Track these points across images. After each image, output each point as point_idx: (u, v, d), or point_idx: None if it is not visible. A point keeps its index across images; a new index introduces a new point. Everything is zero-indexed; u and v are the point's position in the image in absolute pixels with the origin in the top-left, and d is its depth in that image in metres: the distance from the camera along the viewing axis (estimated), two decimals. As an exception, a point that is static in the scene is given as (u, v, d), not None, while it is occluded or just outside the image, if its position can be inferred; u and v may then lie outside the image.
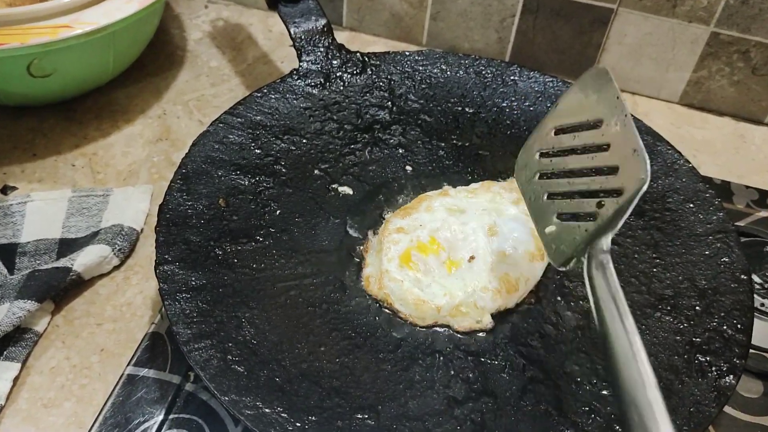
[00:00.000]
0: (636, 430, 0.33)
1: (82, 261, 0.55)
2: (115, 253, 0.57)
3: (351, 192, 0.58)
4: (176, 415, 0.49)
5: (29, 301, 0.52)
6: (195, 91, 0.76)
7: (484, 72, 0.66)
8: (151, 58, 0.78)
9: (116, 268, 0.58)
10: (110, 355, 0.53)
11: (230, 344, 0.46)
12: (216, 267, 0.50)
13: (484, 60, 0.67)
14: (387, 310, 0.51)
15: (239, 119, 0.59)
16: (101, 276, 0.58)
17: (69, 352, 0.53)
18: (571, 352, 0.48)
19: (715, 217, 0.55)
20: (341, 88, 0.64)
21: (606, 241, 0.39)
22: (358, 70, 0.65)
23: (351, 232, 0.55)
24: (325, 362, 0.47)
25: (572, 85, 0.45)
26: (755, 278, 0.58)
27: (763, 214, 0.66)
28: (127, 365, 0.51)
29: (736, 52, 0.73)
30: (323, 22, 0.65)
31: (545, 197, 0.45)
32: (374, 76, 0.65)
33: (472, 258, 0.51)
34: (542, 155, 0.46)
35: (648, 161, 0.38)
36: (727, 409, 0.52)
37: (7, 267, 0.56)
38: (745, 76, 0.74)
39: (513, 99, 0.65)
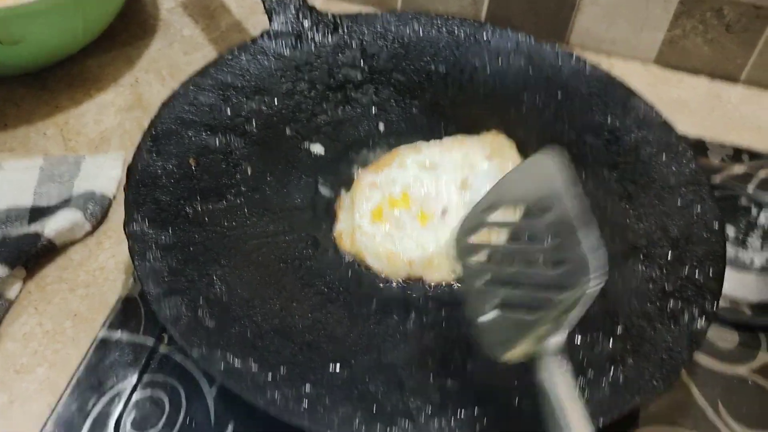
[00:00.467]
0: None
1: (53, 226, 0.55)
2: (87, 218, 0.57)
3: (323, 151, 0.58)
4: (150, 377, 0.48)
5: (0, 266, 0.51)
6: (168, 59, 0.75)
7: (456, 31, 0.65)
8: (124, 26, 0.77)
9: (89, 234, 0.58)
10: (83, 319, 0.52)
11: (201, 301, 0.46)
12: (186, 226, 0.50)
13: (457, 20, 0.66)
14: (360, 265, 0.50)
15: (209, 81, 0.58)
16: (74, 242, 0.57)
17: (41, 318, 0.52)
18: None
19: (687, 169, 0.55)
20: (313, 48, 0.63)
21: (556, 342, 0.37)
22: (329, 31, 0.64)
23: (323, 190, 0.55)
24: (297, 317, 0.47)
25: (515, 167, 0.42)
26: (730, 230, 0.58)
27: (738, 169, 0.66)
28: (101, 329, 0.51)
29: (710, 10, 0.73)
30: (293, -18, 0.64)
31: (482, 283, 0.41)
32: (346, 36, 0.64)
33: (444, 212, 0.51)
34: (476, 237, 0.43)
35: (603, 259, 0.35)
36: (704, 359, 0.52)
37: (-23, 235, 0.56)
38: (719, 33, 0.74)
39: (486, 57, 0.64)
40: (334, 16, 0.65)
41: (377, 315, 0.47)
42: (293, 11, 0.64)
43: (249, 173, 0.55)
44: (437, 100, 0.62)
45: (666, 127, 0.58)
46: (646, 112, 0.59)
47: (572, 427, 0.34)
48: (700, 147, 0.68)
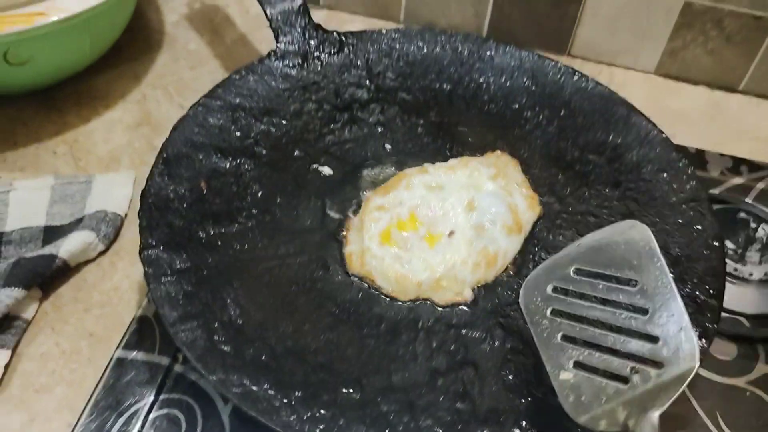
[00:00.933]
0: None
1: (67, 247, 0.56)
2: (99, 239, 0.58)
3: (331, 172, 0.59)
4: (166, 396, 0.50)
5: (16, 288, 0.52)
6: (174, 74, 0.76)
7: (460, 48, 0.66)
8: (129, 42, 0.78)
9: (102, 253, 0.59)
10: (99, 339, 0.54)
11: (216, 324, 0.47)
12: (200, 249, 0.51)
13: (461, 36, 0.67)
14: (369, 287, 0.52)
15: (218, 102, 0.60)
16: (87, 262, 0.58)
17: (58, 338, 0.53)
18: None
19: (688, 186, 0.56)
20: (319, 68, 0.64)
21: (652, 419, 0.36)
22: (335, 50, 0.65)
23: (331, 213, 0.56)
24: (309, 339, 0.48)
25: (604, 229, 0.41)
26: (728, 244, 0.59)
27: (737, 180, 0.67)
28: (116, 349, 0.52)
29: (710, 21, 0.74)
30: (299, 2, 0.65)
31: (559, 338, 0.40)
32: (352, 55, 0.65)
33: (451, 233, 0.52)
34: (556, 290, 0.42)
35: (696, 342, 0.36)
36: (703, 372, 0.53)
37: (-7, 256, 0.57)
38: (719, 44, 0.75)
39: (490, 74, 0.65)
40: (339, 35, 0.66)
41: (387, 336, 0.49)
42: (299, 30, 0.65)
43: (259, 196, 0.56)
44: (442, 118, 0.63)
45: (667, 144, 0.59)
46: (647, 129, 0.60)
47: None
48: (699, 159, 0.69)
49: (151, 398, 0.50)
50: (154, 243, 0.49)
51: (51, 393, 0.50)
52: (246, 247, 0.52)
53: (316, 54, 0.65)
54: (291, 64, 0.64)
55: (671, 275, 0.38)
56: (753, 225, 0.61)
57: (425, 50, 0.66)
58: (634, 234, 0.39)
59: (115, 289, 0.57)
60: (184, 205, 0.53)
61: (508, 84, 0.65)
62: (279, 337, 0.47)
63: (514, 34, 0.80)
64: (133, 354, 0.52)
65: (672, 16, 0.75)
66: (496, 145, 0.61)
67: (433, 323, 0.50)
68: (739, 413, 0.51)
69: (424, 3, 0.81)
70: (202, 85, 0.74)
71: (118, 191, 0.62)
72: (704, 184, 0.65)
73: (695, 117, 0.76)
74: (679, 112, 0.76)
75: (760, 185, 0.67)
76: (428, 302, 0.51)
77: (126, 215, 0.61)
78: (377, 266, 0.51)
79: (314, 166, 0.59)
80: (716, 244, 0.52)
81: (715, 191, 0.66)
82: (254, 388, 0.44)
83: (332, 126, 0.62)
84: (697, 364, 0.36)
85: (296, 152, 0.59)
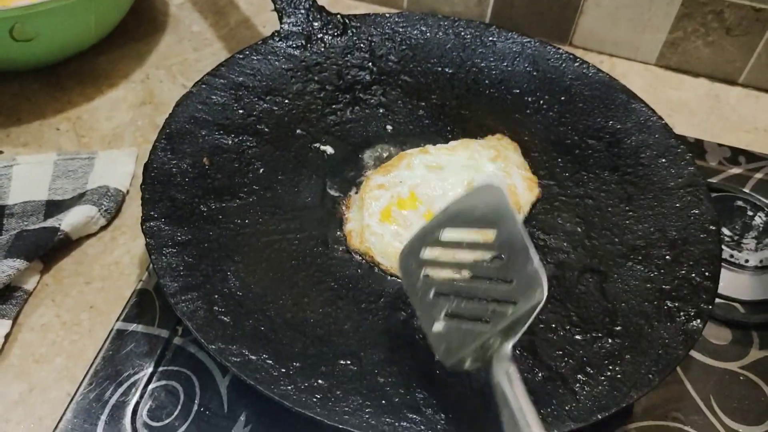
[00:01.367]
0: None
1: (69, 221, 0.56)
2: (101, 214, 0.58)
3: (332, 151, 0.59)
4: (165, 368, 0.50)
5: (18, 260, 0.53)
6: (178, 55, 0.76)
7: (463, 33, 0.67)
8: (134, 22, 0.78)
9: (103, 228, 0.59)
10: (99, 312, 0.54)
11: (216, 296, 0.47)
12: (201, 223, 0.51)
13: (464, 21, 0.67)
14: (368, 263, 0.52)
15: (222, 80, 0.60)
16: (89, 236, 0.59)
17: (59, 310, 0.54)
18: (546, 300, 0.49)
19: (686, 172, 0.57)
20: (322, 49, 0.65)
21: (507, 349, 0.40)
22: (338, 32, 0.65)
23: (332, 191, 0.56)
24: (309, 312, 0.48)
25: (466, 194, 0.44)
26: (725, 231, 0.60)
27: (735, 170, 0.68)
28: (116, 321, 0.53)
29: (711, 13, 0.74)
30: (304, -16, 0.65)
31: (431, 295, 0.43)
32: (355, 38, 0.66)
33: (450, 212, 0.52)
34: (429, 254, 0.45)
35: (544, 277, 0.39)
36: (697, 355, 0.54)
37: (-5, 228, 0.57)
38: (719, 36, 0.76)
39: (491, 59, 0.66)
40: (343, 17, 0.66)
41: (385, 310, 0.49)
42: (303, 12, 0.65)
43: (261, 172, 0.56)
44: (443, 101, 0.64)
45: (666, 130, 0.60)
46: (646, 115, 0.61)
47: (529, 425, 0.37)
48: (698, 148, 0.70)
49: (150, 369, 0.50)
50: (156, 215, 0.50)
51: (51, 363, 0.51)
52: (247, 221, 0.53)
53: (320, 35, 0.65)
54: (294, 45, 0.64)
55: (522, 225, 0.41)
56: (750, 213, 0.61)
57: (428, 34, 0.67)
58: (491, 194, 0.42)
59: (116, 263, 0.57)
60: (186, 180, 0.53)
61: (509, 69, 0.65)
62: (278, 310, 0.48)
63: (517, 22, 0.80)
64: (133, 326, 0.52)
65: (673, 8, 0.75)
66: (497, 129, 0.61)
67: (431, 299, 0.50)
68: (733, 397, 0.52)
69: (428, -10, 0.82)
70: (206, 66, 0.74)
71: (120, 168, 0.63)
72: (703, 173, 0.66)
73: (695, 108, 0.76)
74: (679, 103, 0.76)
75: (758, 175, 0.68)
76: (427, 279, 0.51)
77: (128, 191, 0.62)
78: (376, 243, 0.51)
79: (316, 145, 0.60)
80: (712, 228, 0.53)
81: (714, 180, 0.67)
82: (253, 357, 0.44)
83: (334, 106, 0.62)
84: (544, 296, 0.39)
85: (298, 131, 0.60)
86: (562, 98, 0.63)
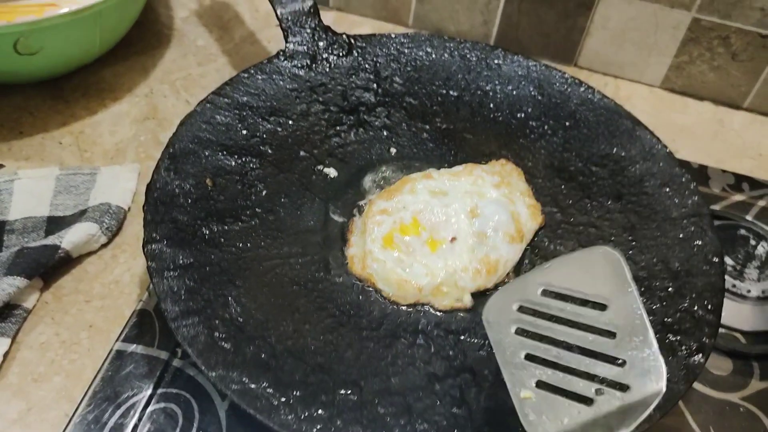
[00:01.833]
0: None
1: (70, 239, 0.56)
2: (102, 231, 0.58)
3: (336, 174, 0.59)
4: (164, 390, 0.50)
5: (18, 277, 0.53)
6: (182, 70, 0.76)
7: (468, 55, 0.67)
8: (138, 36, 0.78)
9: (104, 246, 0.59)
10: (99, 331, 0.54)
11: (217, 321, 0.47)
12: (203, 246, 0.51)
13: (469, 43, 0.67)
14: (370, 290, 0.52)
15: (226, 100, 0.60)
16: (89, 254, 0.58)
17: (58, 328, 0.54)
18: None
19: (690, 201, 0.56)
20: (327, 69, 0.65)
21: None
22: (344, 52, 0.65)
23: (334, 216, 0.56)
24: (309, 339, 0.48)
25: (571, 253, 0.41)
26: (728, 260, 0.60)
27: (738, 197, 0.68)
28: (116, 341, 0.53)
29: (717, 38, 0.74)
30: (310, 3, 0.65)
31: (522, 356, 0.39)
32: (360, 59, 0.66)
33: (453, 239, 0.52)
34: (522, 309, 0.40)
35: (664, 367, 0.35)
36: (698, 386, 0.54)
37: (-4, 244, 0.57)
38: (725, 61, 0.76)
39: (497, 83, 0.66)
40: (348, 37, 0.66)
41: (386, 339, 0.49)
42: (309, 31, 0.65)
43: (264, 195, 0.56)
44: (448, 125, 0.64)
45: (670, 158, 0.59)
46: (651, 143, 0.60)
47: None
48: (702, 174, 0.70)
49: (149, 392, 0.50)
50: (158, 237, 0.50)
51: (49, 382, 0.51)
52: (249, 245, 0.53)
53: (325, 56, 0.65)
54: (299, 65, 0.64)
55: (641, 301, 0.38)
56: (753, 242, 0.61)
57: (433, 56, 0.67)
58: (607, 258, 0.38)
59: (116, 281, 0.57)
60: (189, 201, 0.53)
61: (514, 93, 0.65)
62: (279, 337, 0.48)
63: (522, 43, 0.80)
64: (133, 347, 0.52)
65: (679, 32, 0.75)
66: (501, 153, 0.61)
67: (433, 328, 0.50)
68: (733, 428, 0.52)
69: (434, 8, 0.82)
70: (210, 81, 0.74)
71: (122, 184, 0.62)
72: (706, 199, 0.66)
73: (699, 132, 0.76)
74: (683, 127, 0.76)
75: (761, 203, 0.68)
76: (428, 307, 0.51)
77: (129, 208, 0.61)
78: (378, 269, 0.51)
79: (319, 167, 0.59)
80: (716, 260, 0.52)
81: (716, 207, 0.66)
82: (253, 386, 0.44)
83: (338, 128, 0.62)
84: (664, 387, 0.36)
85: (302, 153, 0.60)
86: (567, 123, 0.63)
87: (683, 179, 0.58)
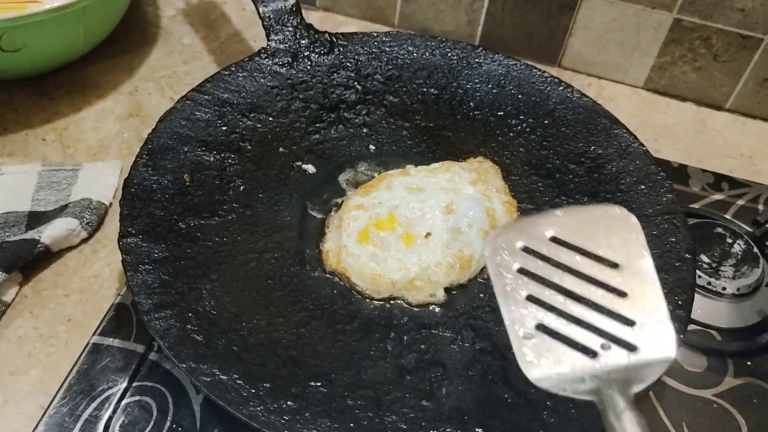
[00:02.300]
0: None
1: (49, 233, 0.57)
2: (83, 226, 0.59)
3: (314, 170, 0.60)
4: (140, 383, 0.50)
5: (-3, 271, 0.53)
6: (167, 68, 0.76)
7: (449, 54, 0.67)
8: (124, 34, 0.79)
9: (84, 241, 0.59)
10: (77, 325, 0.54)
11: (190, 314, 0.47)
12: (179, 240, 0.52)
13: (450, 42, 0.68)
14: (344, 284, 0.52)
15: (206, 96, 0.60)
16: (69, 248, 0.59)
17: (36, 322, 0.54)
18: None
19: (664, 199, 0.57)
20: (308, 67, 0.65)
21: (631, 394, 0.34)
22: (325, 50, 0.66)
23: (312, 212, 0.57)
24: (282, 333, 0.48)
25: (585, 206, 0.40)
26: (704, 258, 0.60)
27: (718, 196, 0.68)
28: (93, 334, 0.53)
29: (698, 39, 0.75)
30: (292, 1, 0.66)
31: (523, 295, 0.37)
32: (341, 57, 0.66)
33: (428, 234, 0.52)
34: (527, 250, 0.38)
35: (676, 338, 0.34)
36: (671, 382, 0.54)
37: (-24, 238, 0.58)
38: (707, 62, 0.76)
39: (477, 81, 0.66)
40: (330, 35, 0.67)
41: (359, 333, 0.49)
42: (291, 29, 0.65)
43: (241, 190, 0.56)
44: (427, 122, 0.64)
45: (647, 156, 0.60)
46: (628, 141, 0.61)
47: None
48: (682, 173, 0.70)
49: (124, 384, 0.50)
50: (133, 231, 0.50)
51: (26, 375, 0.51)
52: (225, 240, 0.53)
53: (306, 53, 0.65)
54: (281, 63, 0.64)
55: (655, 268, 0.36)
56: (729, 240, 0.61)
57: (414, 55, 0.67)
58: (624, 219, 0.37)
59: (95, 276, 0.57)
60: (166, 196, 0.54)
61: (494, 91, 0.66)
62: (252, 330, 0.48)
63: (507, 43, 0.81)
64: (110, 340, 0.52)
65: (661, 32, 0.76)
66: (480, 151, 0.62)
67: (405, 322, 0.50)
68: (705, 424, 0.52)
69: (419, 8, 0.82)
70: (195, 79, 0.75)
71: (104, 180, 0.63)
72: (685, 198, 0.66)
73: (681, 132, 0.77)
74: (665, 127, 0.77)
75: (740, 202, 0.68)
76: (402, 301, 0.52)
77: (110, 204, 0.62)
78: (353, 264, 0.52)
79: (298, 163, 0.60)
80: (688, 256, 0.53)
81: (695, 206, 0.67)
82: (224, 377, 0.44)
83: (318, 125, 0.62)
84: (674, 355, 0.35)
85: (281, 149, 0.60)
86: (546, 122, 0.63)
87: (658, 177, 0.58)
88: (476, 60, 0.67)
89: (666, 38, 0.76)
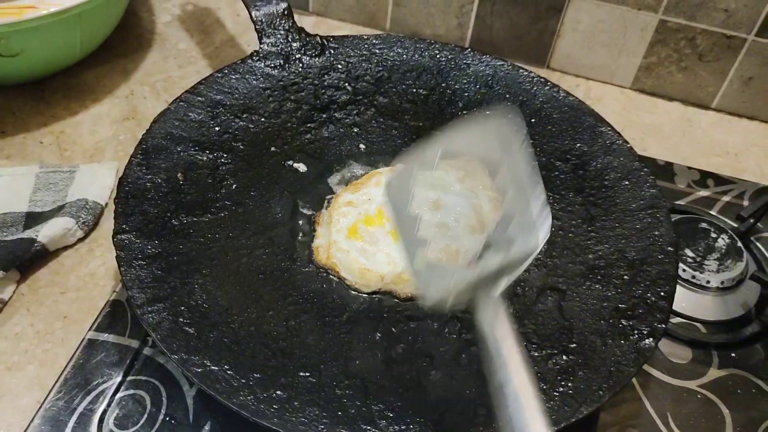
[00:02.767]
0: None
1: (46, 232, 0.58)
2: (79, 226, 0.60)
3: (305, 168, 0.61)
4: (134, 377, 0.52)
5: (-6, 269, 0.54)
6: (162, 72, 0.78)
7: (438, 56, 0.69)
8: (120, 39, 0.80)
9: (81, 240, 0.61)
10: (73, 321, 0.55)
11: (182, 308, 0.49)
12: (172, 237, 0.53)
13: (439, 44, 0.69)
14: (334, 278, 0.53)
15: (199, 98, 0.62)
16: (66, 248, 0.60)
17: (33, 319, 0.55)
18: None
19: (648, 194, 0.58)
20: (300, 69, 0.66)
21: (494, 294, 0.37)
22: (317, 53, 0.67)
23: (303, 209, 0.58)
24: (272, 325, 0.50)
25: (469, 122, 0.42)
26: (689, 252, 0.61)
27: (703, 193, 0.70)
28: (88, 330, 0.54)
29: (684, 39, 0.76)
30: (284, 5, 0.67)
31: (417, 230, 0.41)
32: (332, 59, 0.67)
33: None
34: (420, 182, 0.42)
35: (546, 228, 0.37)
36: (656, 373, 0.55)
37: (-26, 238, 0.59)
38: (692, 62, 0.78)
39: (465, 82, 0.68)
40: (321, 38, 0.68)
41: (348, 325, 0.50)
42: (283, 32, 0.67)
43: (233, 188, 0.58)
44: (417, 122, 0.65)
45: (631, 153, 0.61)
46: (612, 138, 0.62)
47: (509, 366, 0.35)
48: (668, 171, 0.71)
49: (119, 379, 0.51)
50: (127, 228, 0.51)
51: (23, 371, 0.52)
52: (217, 236, 0.54)
53: (298, 56, 0.67)
54: (273, 65, 0.66)
55: (533, 162, 0.39)
56: (713, 235, 0.63)
57: (404, 56, 0.69)
58: (502, 125, 0.40)
59: (91, 274, 0.58)
60: (160, 194, 0.55)
61: (482, 91, 0.67)
62: (243, 323, 0.49)
63: (496, 45, 0.82)
64: (105, 336, 0.54)
65: (648, 33, 0.77)
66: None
67: (393, 315, 0.51)
68: (690, 415, 0.53)
69: (410, 12, 0.84)
70: (190, 83, 0.75)
71: (100, 181, 0.64)
72: (671, 195, 0.67)
73: (668, 131, 0.78)
74: (653, 126, 0.78)
75: (725, 198, 0.69)
76: (390, 295, 0.53)
77: (106, 204, 0.63)
78: (342, 258, 0.53)
79: (289, 162, 0.61)
80: (670, 249, 0.54)
81: (681, 202, 0.68)
82: (214, 368, 0.45)
83: (309, 125, 0.64)
84: (540, 246, 0.37)
85: (272, 148, 0.61)
86: (532, 120, 0.65)
87: (642, 173, 0.59)
88: (464, 61, 0.69)
89: (652, 39, 0.77)
